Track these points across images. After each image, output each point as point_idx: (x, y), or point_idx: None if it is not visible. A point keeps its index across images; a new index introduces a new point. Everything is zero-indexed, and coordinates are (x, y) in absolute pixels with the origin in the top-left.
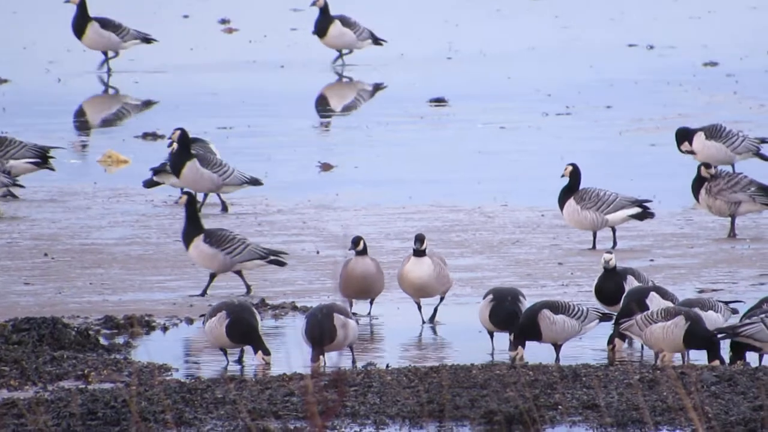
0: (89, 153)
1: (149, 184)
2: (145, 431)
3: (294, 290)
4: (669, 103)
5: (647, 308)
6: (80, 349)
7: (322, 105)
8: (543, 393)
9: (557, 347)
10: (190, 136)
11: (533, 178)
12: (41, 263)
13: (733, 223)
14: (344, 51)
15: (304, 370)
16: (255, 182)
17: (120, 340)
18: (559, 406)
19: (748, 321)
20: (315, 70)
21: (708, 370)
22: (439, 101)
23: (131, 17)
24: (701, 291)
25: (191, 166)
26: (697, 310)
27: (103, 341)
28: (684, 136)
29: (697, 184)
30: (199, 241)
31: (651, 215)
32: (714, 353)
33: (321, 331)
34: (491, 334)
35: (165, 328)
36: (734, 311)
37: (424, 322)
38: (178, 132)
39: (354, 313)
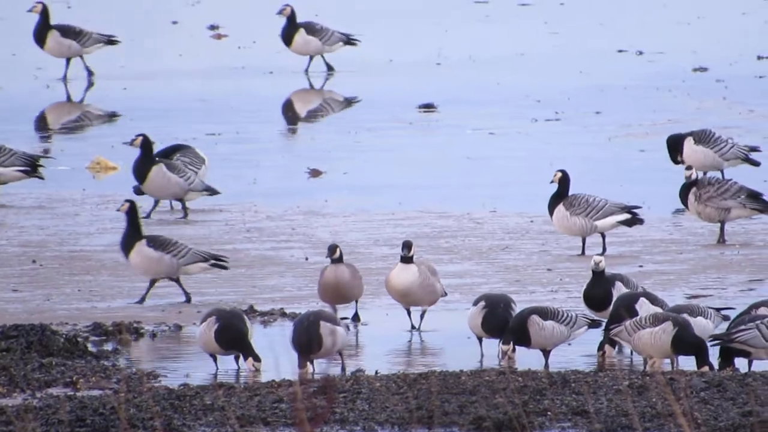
0: (78, 159)
1: (139, 190)
2: None
3: (283, 297)
4: (658, 109)
5: (636, 314)
6: (69, 356)
7: (311, 111)
8: (532, 399)
9: (546, 353)
10: (178, 142)
11: (522, 184)
12: (30, 270)
13: (722, 228)
14: (314, 56)
15: (292, 376)
16: (213, 191)
17: (108, 347)
18: (549, 412)
19: (743, 327)
20: (303, 77)
21: (697, 375)
22: (428, 107)
23: (121, 23)
24: (692, 297)
25: (158, 172)
26: (686, 316)
27: (91, 348)
28: (675, 143)
29: (685, 190)
30: (141, 246)
31: (640, 221)
32: (702, 359)
33: (308, 339)
34: (480, 340)
35: (153, 335)
36: (725, 318)
37: (413, 328)
38: (140, 138)
39: (343, 318)
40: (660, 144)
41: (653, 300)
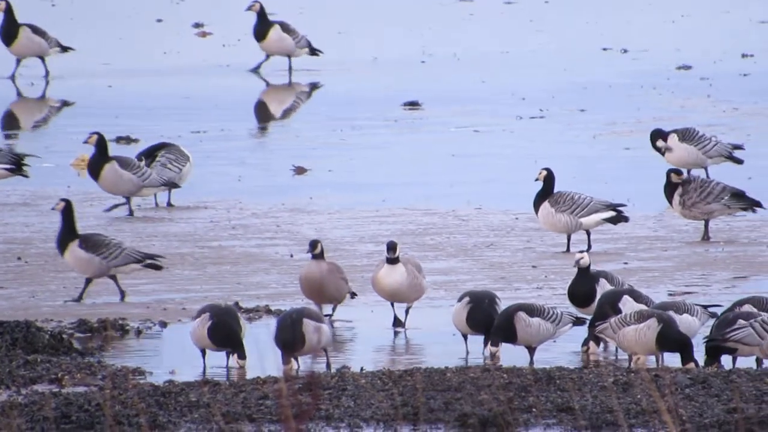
0: (62, 157)
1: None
2: None
3: (268, 293)
4: (643, 107)
5: (620, 311)
6: (54, 352)
7: (296, 109)
8: (517, 396)
9: (531, 350)
10: (163, 140)
11: (507, 181)
12: (14, 267)
13: (706, 226)
14: (264, 59)
15: (278, 373)
16: (172, 185)
17: (94, 343)
18: (534, 409)
19: (737, 326)
20: (287, 75)
21: (682, 372)
22: (412, 105)
23: (105, 22)
24: (676, 294)
25: (110, 169)
26: (671, 313)
27: (76, 345)
28: (658, 136)
29: (669, 189)
30: (74, 246)
31: (625, 219)
32: (687, 356)
33: (291, 337)
34: (465, 337)
35: (139, 332)
36: (713, 315)
37: (401, 326)
38: (95, 136)
39: (328, 315)
40: (644, 142)
41: (637, 297)
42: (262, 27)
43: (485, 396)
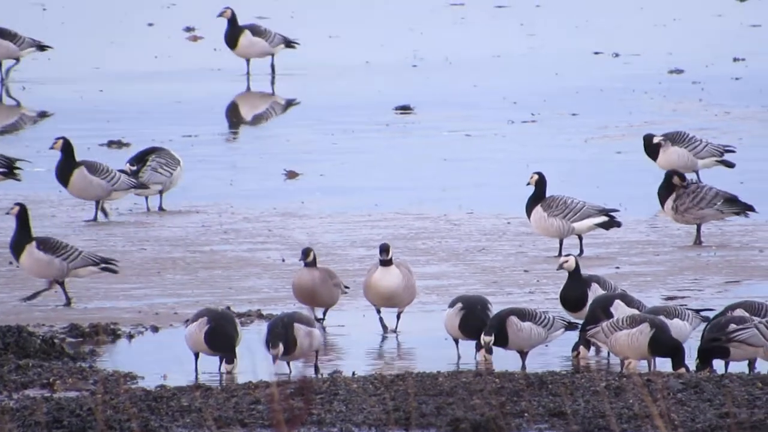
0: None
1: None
2: None
3: (260, 298)
4: (635, 111)
5: (612, 316)
6: (45, 357)
7: (287, 112)
8: (509, 400)
9: (523, 354)
10: (154, 144)
11: (499, 185)
12: (6, 272)
13: (699, 230)
14: (252, 59)
15: (269, 378)
16: (142, 186)
17: (85, 348)
18: (526, 414)
19: (741, 327)
20: (280, 78)
21: (674, 377)
22: (404, 109)
23: (96, 26)
24: (669, 298)
25: (79, 174)
26: (662, 317)
27: (68, 349)
28: (651, 140)
29: (665, 192)
30: (32, 248)
31: (617, 224)
32: (679, 361)
33: (283, 341)
34: (457, 342)
35: (130, 336)
36: (705, 319)
37: (386, 330)
38: (61, 141)
39: (320, 319)
40: (636, 146)
41: (629, 302)
42: (233, 33)
43: (477, 401)
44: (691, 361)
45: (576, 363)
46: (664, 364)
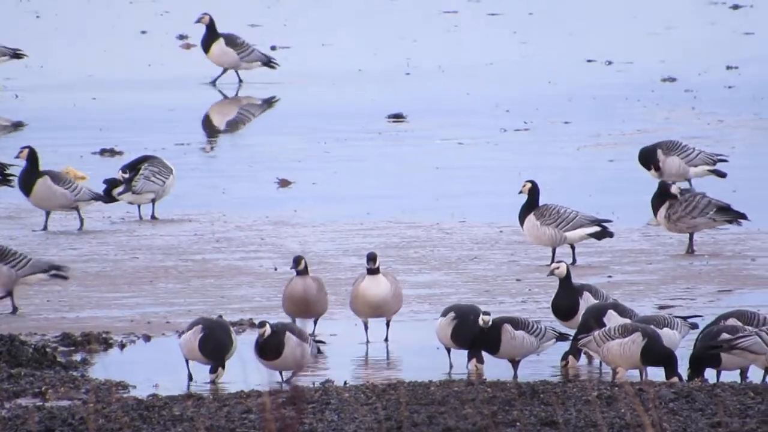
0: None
1: (109, 198)
2: None
3: (252, 307)
4: (627, 119)
5: (605, 326)
6: (37, 366)
7: (279, 121)
8: (501, 410)
9: (515, 364)
10: (147, 152)
11: (491, 194)
12: None
13: (691, 239)
14: (223, 70)
15: (261, 387)
16: (102, 198)
17: (77, 357)
18: (518, 423)
19: (743, 334)
20: (273, 87)
21: (666, 386)
22: (397, 117)
23: (89, 33)
24: (662, 307)
25: (43, 184)
26: (652, 326)
27: (60, 358)
28: (649, 159)
29: (658, 201)
30: None
31: (610, 235)
32: (671, 370)
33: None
34: (449, 350)
35: (122, 345)
36: (694, 326)
37: (368, 342)
38: (26, 150)
39: (312, 335)
40: (629, 154)
41: (622, 311)
42: (208, 40)
43: (469, 410)
44: (682, 369)
45: (565, 372)
46: (655, 374)
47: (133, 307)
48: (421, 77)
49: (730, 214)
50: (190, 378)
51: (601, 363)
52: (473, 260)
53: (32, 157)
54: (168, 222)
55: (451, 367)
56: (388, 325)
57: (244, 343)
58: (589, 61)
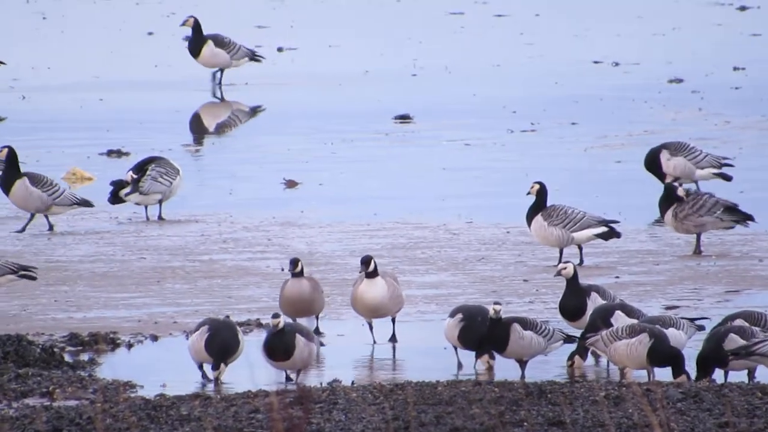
0: (53, 170)
1: (114, 200)
2: None
3: (259, 307)
4: (634, 120)
5: (612, 326)
6: (45, 366)
7: (286, 122)
8: (508, 410)
9: (522, 364)
10: (154, 153)
11: (498, 195)
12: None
13: (698, 240)
14: (216, 70)
15: (269, 387)
16: (86, 204)
17: (85, 357)
18: (525, 423)
19: (760, 339)
20: (280, 87)
21: (674, 386)
22: (403, 118)
23: (96, 35)
24: (669, 308)
25: (21, 185)
26: (659, 327)
27: (68, 358)
28: (654, 163)
29: (665, 203)
30: None
31: (617, 235)
32: (679, 369)
33: (283, 346)
34: (456, 349)
35: (130, 345)
36: (700, 328)
37: (375, 343)
38: (6, 150)
39: (317, 331)
40: (636, 155)
41: (629, 312)
42: (196, 43)
43: (477, 410)
44: (690, 369)
45: (570, 372)
46: (663, 374)
47: (140, 307)
48: (428, 78)
49: (737, 215)
50: (211, 380)
51: (608, 363)
52: (480, 261)
53: (11, 157)
54: (175, 222)
55: (460, 366)
56: (393, 322)
57: (252, 344)
58: (595, 62)
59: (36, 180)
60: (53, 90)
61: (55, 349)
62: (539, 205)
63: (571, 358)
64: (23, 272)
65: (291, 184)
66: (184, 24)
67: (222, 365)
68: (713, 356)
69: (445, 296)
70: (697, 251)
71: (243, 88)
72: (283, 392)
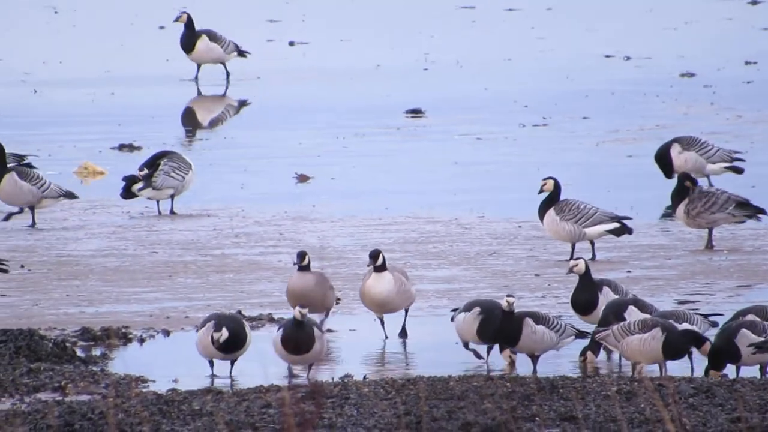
0: (65, 164)
1: (126, 195)
2: None
3: (271, 302)
4: (646, 114)
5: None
6: (57, 360)
7: (297, 116)
8: (520, 405)
9: (534, 359)
10: (165, 147)
11: (510, 189)
12: (17, 275)
13: (710, 234)
14: (204, 64)
15: (281, 381)
16: (70, 195)
17: (97, 351)
18: (537, 418)
19: None
20: (292, 82)
21: (686, 381)
22: (415, 112)
23: (107, 29)
24: (681, 302)
25: (9, 180)
26: (671, 322)
27: (79, 353)
28: (664, 159)
29: (677, 196)
30: None
31: (629, 231)
32: (700, 342)
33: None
34: (467, 345)
35: (142, 340)
36: (713, 324)
37: (386, 338)
38: None
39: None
40: (648, 149)
41: (642, 307)
42: (190, 38)
43: (488, 405)
44: (698, 367)
45: (583, 367)
46: (675, 369)
47: (152, 302)
48: (439, 73)
49: (749, 210)
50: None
51: (620, 358)
52: (492, 255)
53: None
54: (187, 217)
55: (481, 357)
56: (406, 314)
57: (264, 339)
58: (607, 56)
59: (23, 174)
60: (65, 84)
61: (67, 344)
62: (552, 199)
63: (583, 353)
64: None
65: (303, 178)
66: (177, 20)
67: (224, 329)
68: (725, 351)
69: (457, 291)
70: (709, 246)
71: (254, 83)
72: (295, 387)
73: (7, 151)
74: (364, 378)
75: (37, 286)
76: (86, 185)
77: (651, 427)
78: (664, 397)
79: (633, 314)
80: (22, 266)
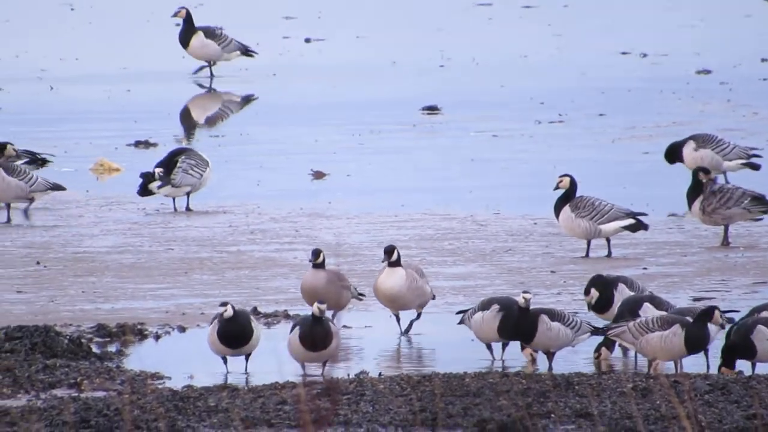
0: (81, 161)
1: (143, 192)
2: None
3: (287, 298)
4: (662, 111)
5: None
6: (73, 357)
7: (314, 113)
8: (536, 401)
9: (550, 355)
10: (181, 145)
11: (526, 186)
12: (33, 271)
13: (726, 231)
14: (205, 63)
15: (296, 378)
16: (58, 188)
17: (112, 348)
18: (552, 415)
19: None
20: (308, 78)
21: (701, 378)
22: (431, 109)
23: (123, 26)
24: (697, 299)
25: None
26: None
27: (95, 349)
28: (673, 153)
29: (693, 193)
30: None
31: (645, 228)
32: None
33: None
34: (489, 346)
35: (157, 337)
36: (730, 320)
37: (402, 334)
38: None
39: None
40: (664, 146)
41: (658, 304)
42: (187, 34)
43: (504, 401)
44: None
45: (598, 364)
46: (690, 365)
47: (167, 299)
48: (456, 70)
49: (764, 204)
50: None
51: (636, 355)
52: (507, 252)
53: None
54: (203, 214)
55: (499, 356)
56: (418, 315)
57: (280, 336)
58: (623, 53)
59: (11, 170)
60: (81, 81)
61: (83, 340)
62: (568, 196)
63: (598, 349)
64: None
65: (318, 175)
66: (176, 15)
67: (229, 305)
68: (741, 347)
69: (473, 287)
70: (725, 242)
71: (270, 79)
72: (311, 384)
73: (21, 148)
74: (380, 374)
75: (52, 282)
76: (102, 182)
77: (666, 424)
78: (679, 394)
79: (648, 311)
80: (38, 263)
